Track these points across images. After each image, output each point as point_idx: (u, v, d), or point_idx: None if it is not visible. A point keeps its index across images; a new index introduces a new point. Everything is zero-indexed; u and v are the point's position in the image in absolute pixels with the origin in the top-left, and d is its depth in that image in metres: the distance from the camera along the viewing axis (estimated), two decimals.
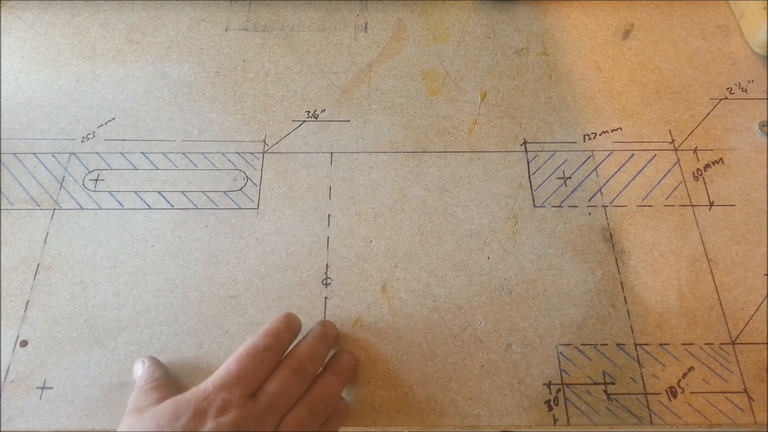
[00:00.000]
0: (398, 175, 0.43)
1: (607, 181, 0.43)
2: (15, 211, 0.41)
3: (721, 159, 0.44)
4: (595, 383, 0.35)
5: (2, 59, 0.48)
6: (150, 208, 0.41)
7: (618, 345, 0.36)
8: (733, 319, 0.37)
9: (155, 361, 0.35)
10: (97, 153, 0.43)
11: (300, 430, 0.30)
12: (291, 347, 0.33)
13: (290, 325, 0.33)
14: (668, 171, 0.43)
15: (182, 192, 0.42)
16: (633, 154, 0.44)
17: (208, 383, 0.30)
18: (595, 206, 0.41)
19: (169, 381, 0.33)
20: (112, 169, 0.43)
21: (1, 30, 0.50)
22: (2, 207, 0.41)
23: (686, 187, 0.42)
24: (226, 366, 0.30)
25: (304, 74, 0.48)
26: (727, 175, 0.43)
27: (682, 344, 0.36)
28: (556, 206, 0.41)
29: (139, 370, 0.34)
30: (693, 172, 0.43)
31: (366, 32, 0.51)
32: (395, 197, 0.42)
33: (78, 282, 0.38)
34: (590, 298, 0.38)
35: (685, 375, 0.35)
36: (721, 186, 0.42)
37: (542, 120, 0.45)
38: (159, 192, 0.42)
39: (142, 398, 0.31)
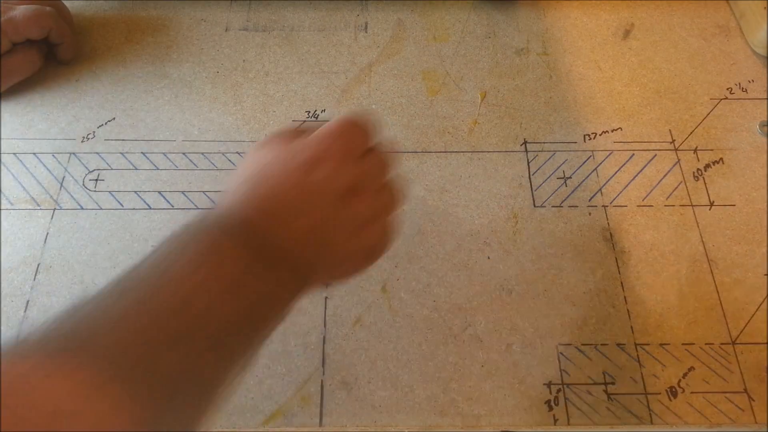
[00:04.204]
0: (398, 175, 0.43)
1: (607, 181, 0.43)
2: (15, 211, 0.41)
3: (721, 159, 0.44)
4: (595, 383, 0.35)
5: None
6: (150, 208, 0.41)
7: (618, 345, 0.36)
8: (733, 319, 0.37)
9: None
10: (97, 153, 0.43)
11: None
12: None
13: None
14: (668, 171, 0.43)
15: (182, 192, 0.42)
16: (633, 154, 0.44)
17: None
18: (595, 206, 0.41)
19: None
20: (112, 169, 0.43)
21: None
22: (2, 207, 0.41)
23: (686, 187, 0.42)
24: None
25: (304, 74, 0.48)
26: (727, 175, 0.43)
27: (682, 344, 0.36)
28: (556, 206, 0.41)
29: None
30: (693, 172, 0.43)
31: (366, 32, 0.51)
32: None
33: (78, 282, 0.38)
34: (590, 298, 0.38)
35: (685, 375, 0.35)
36: (721, 186, 0.42)
37: (542, 120, 0.45)
38: (159, 192, 0.42)
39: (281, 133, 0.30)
